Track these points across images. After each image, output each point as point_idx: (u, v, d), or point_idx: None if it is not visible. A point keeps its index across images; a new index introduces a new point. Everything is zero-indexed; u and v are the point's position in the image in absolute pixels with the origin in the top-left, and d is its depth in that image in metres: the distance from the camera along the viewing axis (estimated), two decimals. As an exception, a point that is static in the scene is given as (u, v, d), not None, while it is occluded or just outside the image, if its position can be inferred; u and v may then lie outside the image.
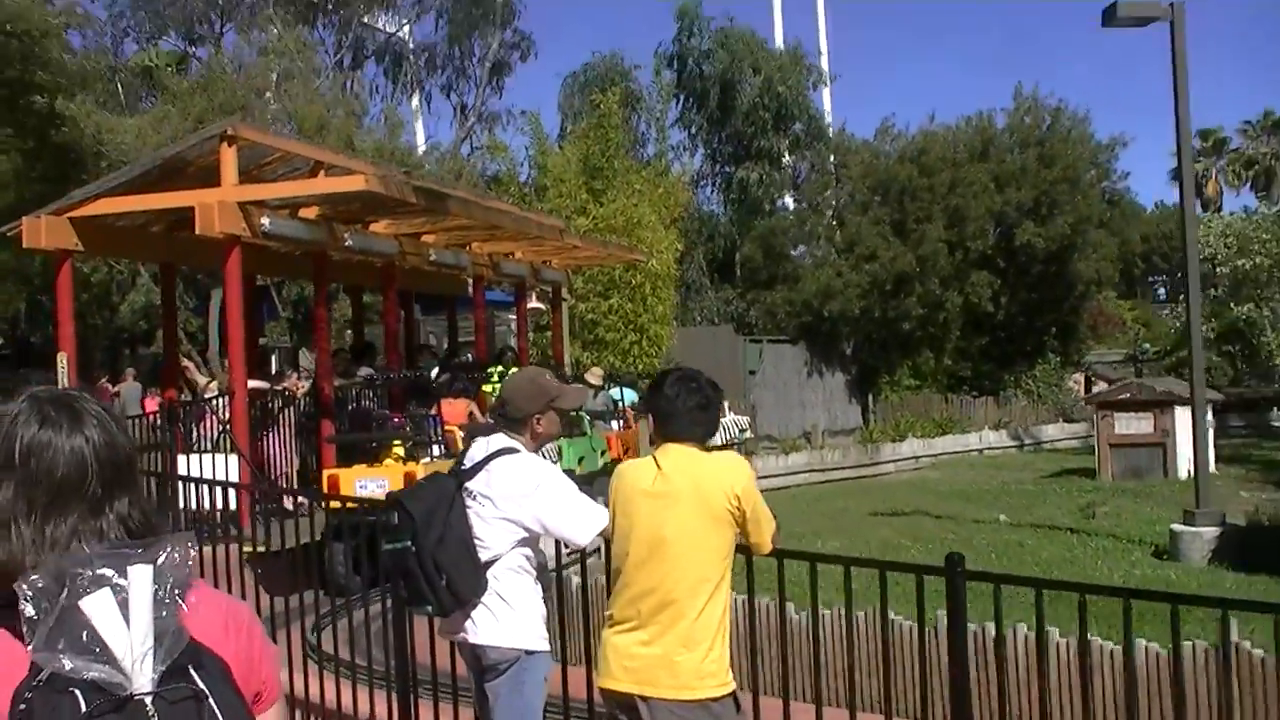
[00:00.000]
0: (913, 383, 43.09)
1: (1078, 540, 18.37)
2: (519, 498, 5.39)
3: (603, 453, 20.66)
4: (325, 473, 14.04)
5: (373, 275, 20.65)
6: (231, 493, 13.27)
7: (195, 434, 15.17)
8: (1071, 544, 18.03)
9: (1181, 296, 60.87)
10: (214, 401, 15.45)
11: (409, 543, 5.30)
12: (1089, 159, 44.26)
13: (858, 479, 30.45)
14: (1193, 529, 16.57)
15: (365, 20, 48.23)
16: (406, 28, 50.78)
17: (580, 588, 8.00)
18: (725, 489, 4.91)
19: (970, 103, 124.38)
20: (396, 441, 14.79)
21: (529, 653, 5.50)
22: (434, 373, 22.34)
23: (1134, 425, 27.98)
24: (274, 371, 38.56)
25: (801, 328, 40.47)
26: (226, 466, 13.36)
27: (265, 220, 14.99)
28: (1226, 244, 59.85)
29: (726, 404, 29.57)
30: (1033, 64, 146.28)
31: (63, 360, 15.33)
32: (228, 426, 14.79)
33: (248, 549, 12.07)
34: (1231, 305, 58.73)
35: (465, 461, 5.56)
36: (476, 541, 5.40)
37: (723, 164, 46.84)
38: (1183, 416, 27.92)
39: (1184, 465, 27.87)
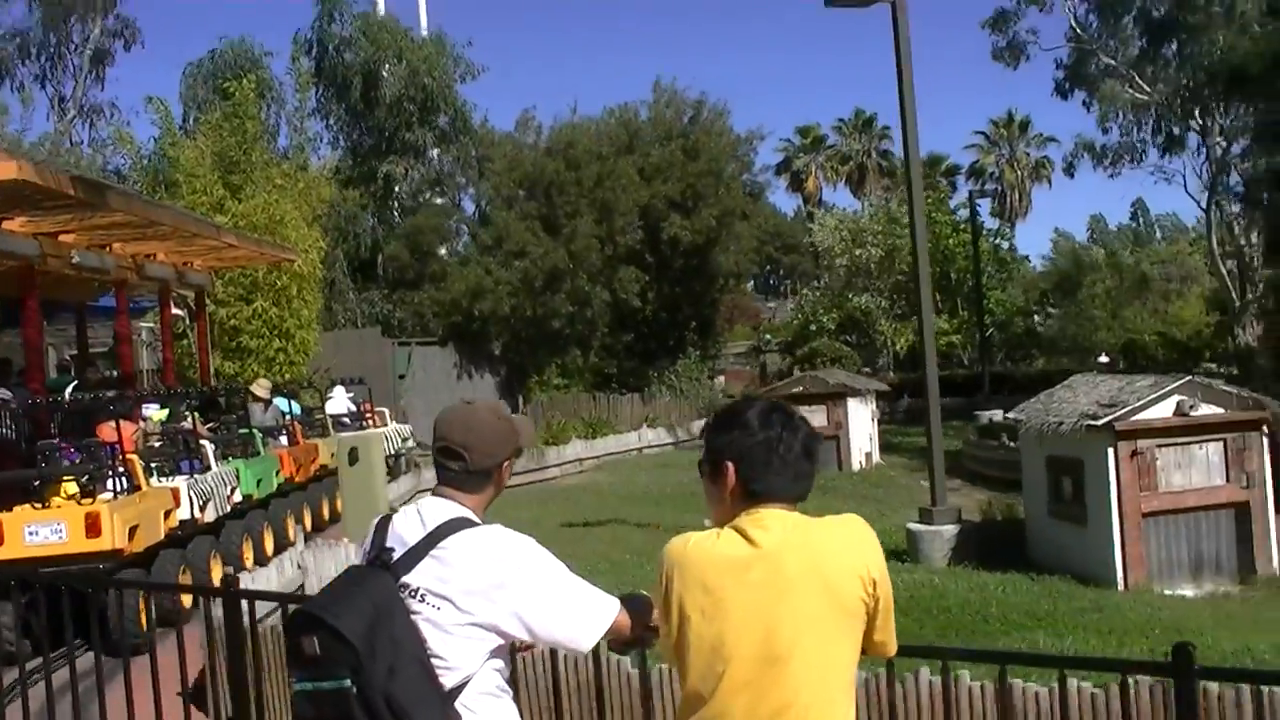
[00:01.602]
0: (561, 382, 42.15)
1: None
2: (490, 591, 3.67)
3: (277, 473, 18.59)
4: (-18, 520, 11.66)
5: (6, 280, 17.96)
6: None
7: None
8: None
9: (802, 289, 62.61)
10: None
11: (346, 681, 3.54)
12: (730, 151, 44.35)
13: (525, 485, 29.15)
14: (932, 528, 16.02)
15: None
16: (-6, 11, 46.24)
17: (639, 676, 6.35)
18: (859, 571, 3.38)
19: (612, 94, 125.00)
20: (67, 477, 12.46)
21: None
22: (67, 390, 19.76)
23: (808, 419, 27.69)
24: None
25: (450, 328, 38.86)
26: None
27: (-116, 218, 12.45)
28: (842, 237, 62.08)
29: (387, 412, 27.79)
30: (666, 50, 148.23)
31: None
32: None
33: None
34: (849, 296, 60.88)
35: (391, 543, 3.82)
36: (435, 662, 3.69)
37: (365, 158, 44.49)
38: (856, 408, 27.92)
39: (857, 457, 27.87)
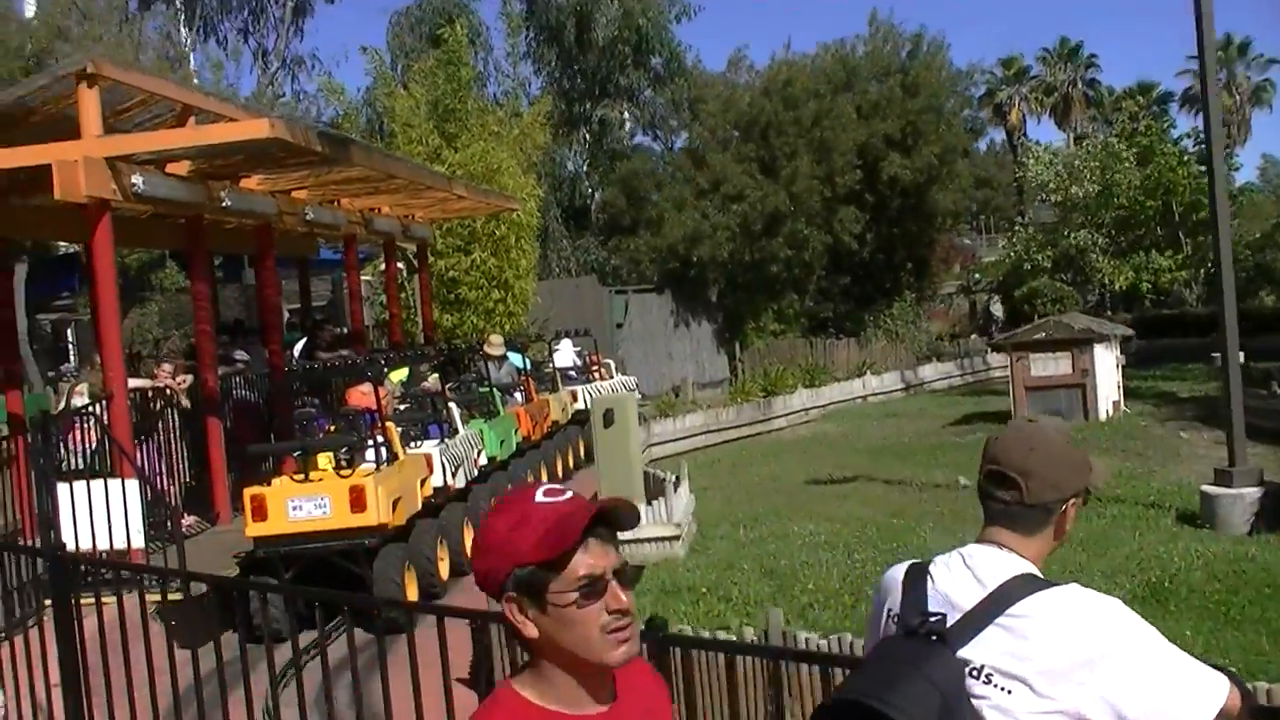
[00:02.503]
0: (777, 328, 41.01)
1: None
2: (1077, 670, 2.68)
3: (515, 431, 17.90)
4: (246, 492, 11.13)
5: (243, 239, 17.66)
6: (133, 529, 10.38)
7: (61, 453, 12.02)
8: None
9: (1016, 226, 60.43)
10: (81, 408, 12.25)
11: None
12: (950, 87, 42.62)
13: (755, 436, 28.28)
14: (1230, 491, 14.60)
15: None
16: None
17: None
18: None
19: (825, 31, 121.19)
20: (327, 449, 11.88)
21: None
22: (297, 349, 19.38)
23: (1051, 366, 26.18)
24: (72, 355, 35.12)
25: (666, 275, 37.99)
26: (126, 493, 10.35)
27: (137, 179, 11.94)
28: (1056, 172, 59.54)
29: (613, 364, 27.05)
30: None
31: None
32: (103, 440, 11.76)
33: (157, 597, 9.24)
34: (1065, 232, 58.35)
35: (935, 605, 2.88)
36: None
37: (578, 103, 43.71)
38: (1101, 354, 26.34)
39: (1104, 406, 26.31)
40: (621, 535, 2.46)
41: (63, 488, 10.44)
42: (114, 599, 6.19)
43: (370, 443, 11.59)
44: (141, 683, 5.89)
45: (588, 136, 43.53)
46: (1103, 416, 25.98)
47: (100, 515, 10.30)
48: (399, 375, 16.95)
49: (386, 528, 11.35)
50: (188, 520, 13.32)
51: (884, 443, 25.32)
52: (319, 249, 24.91)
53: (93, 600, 8.62)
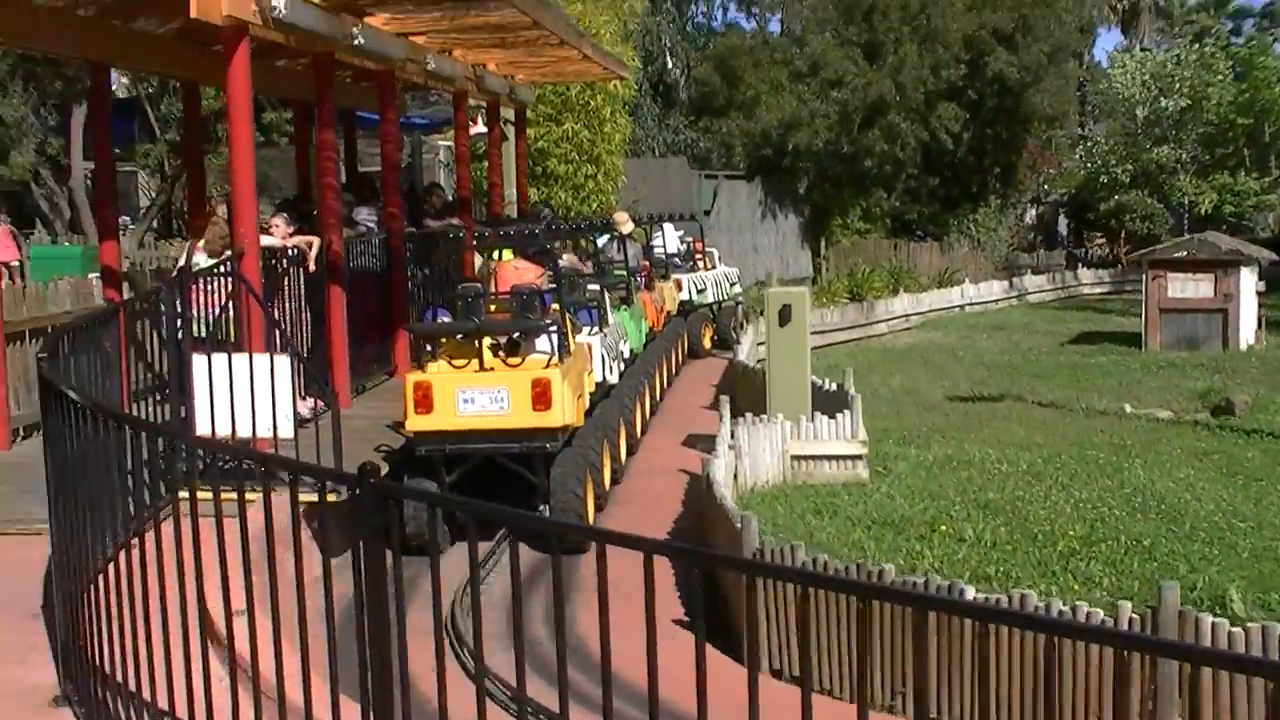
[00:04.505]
0: (863, 226, 38.93)
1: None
2: None
3: (644, 322, 16.03)
4: (409, 379, 9.35)
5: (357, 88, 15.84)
6: (282, 415, 8.63)
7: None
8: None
9: (1087, 139, 57.53)
10: (211, 266, 10.36)
11: None
12: (1061, -19, 40.11)
13: (857, 341, 26.47)
14: None
15: None
16: None
17: None
18: None
19: None
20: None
21: None
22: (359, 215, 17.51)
23: (1190, 288, 24.17)
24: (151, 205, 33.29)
25: (757, 162, 35.80)
26: (275, 371, 8.50)
27: (278, 1, 10.06)
28: (1143, 82, 56.80)
29: (716, 253, 25.06)
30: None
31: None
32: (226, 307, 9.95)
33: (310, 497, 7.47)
34: (1146, 146, 55.80)
35: None
36: None
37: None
38: (1246, 279, 24.34)
39: (1244, 334, 24.38)
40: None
41: (198, 361, 8.64)
42: (259, 495, 4.66)
43: (550, 329, 9.76)
44: (289, 596, 4.48)
45: (678, 9, 41.02)
46: (1243, 346, 24.09)
47: (242, 396, 8.48)
48: (507, 256, 15.16)
49: (568, 430, 9.59)
50: (307, 402, 11.52)
51: (1006, 358, 23.53)
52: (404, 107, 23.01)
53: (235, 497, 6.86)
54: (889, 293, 30.75)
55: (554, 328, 9.66)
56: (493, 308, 10.20)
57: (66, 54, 17.61)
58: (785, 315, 12.95)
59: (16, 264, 24.64)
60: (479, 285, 10.25)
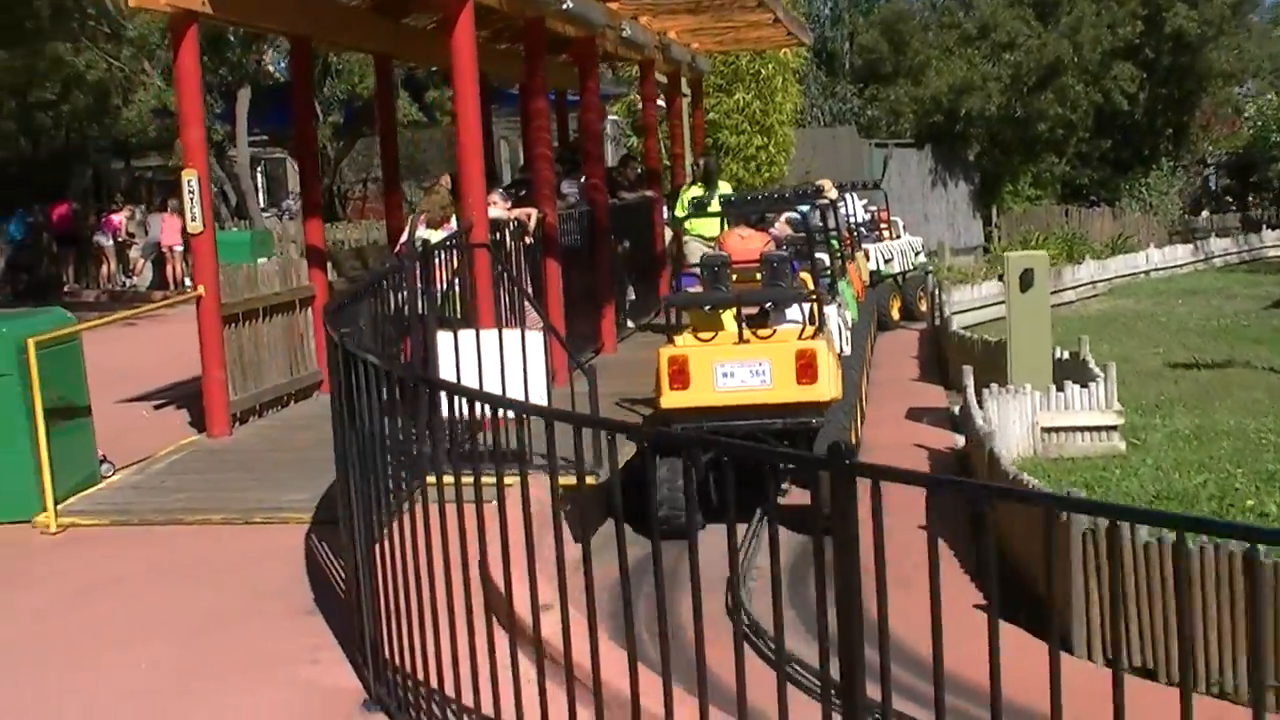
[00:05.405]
0: (1033, 193, 37.66)
1: None
2: None
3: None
4: (662, 353, 8.77)
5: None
6: (534, 391, 8.06)
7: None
8: None
9: (1255, 98, 55.18)
10: (444, 240, 9.89)
11: None
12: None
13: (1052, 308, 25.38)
14: None
15: None
16: None
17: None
18: None
19: None
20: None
21: None
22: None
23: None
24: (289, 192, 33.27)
25: (927, 130, 34.75)
26: (526, 346, 7.94)
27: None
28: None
29: (900, 222, 24.22)
30: None
31: (191, 181, 9.90)
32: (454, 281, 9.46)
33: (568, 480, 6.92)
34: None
35: None
36: None
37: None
38: None
39: None
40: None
41: (442, 339, 8.12)
42: (517, 479, 4.37)
43: (809, 298, 9.11)
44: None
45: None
46: None
47: (491, 372, 7.92)
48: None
49: (832, 405, 8.94)
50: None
51: (1212, 324, 22.37)
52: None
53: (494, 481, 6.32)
54: (1065, 260, 29.64)
55: (813, 297, 9.02)
56: (734, 278, 9.59)
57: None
58: (1027, 280, 12.16)
59: (180, 249, 24.67)
60: (725, 254, 9.60)
